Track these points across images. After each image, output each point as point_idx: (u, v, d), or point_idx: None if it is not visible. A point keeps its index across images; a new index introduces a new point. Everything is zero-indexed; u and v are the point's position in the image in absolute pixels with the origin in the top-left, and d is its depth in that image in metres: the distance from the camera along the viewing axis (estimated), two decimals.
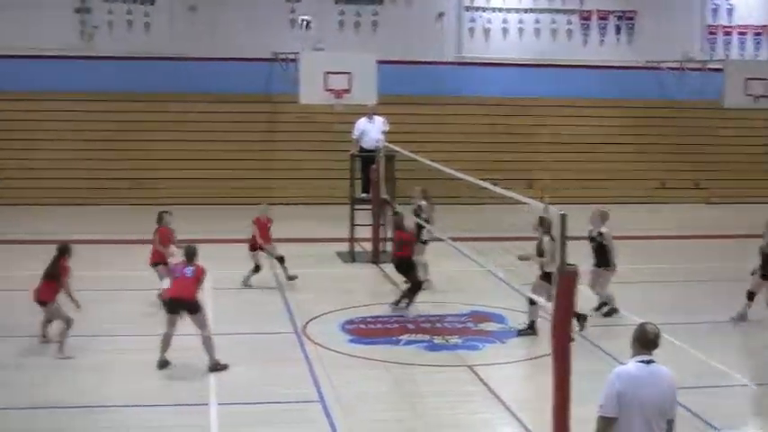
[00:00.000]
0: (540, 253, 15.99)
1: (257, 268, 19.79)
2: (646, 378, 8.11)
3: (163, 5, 31.67)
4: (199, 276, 14.61)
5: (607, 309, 17.57)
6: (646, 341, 8.22)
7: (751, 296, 17.44)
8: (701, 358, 15.15)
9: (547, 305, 12.31)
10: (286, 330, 16.64)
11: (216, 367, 14.31)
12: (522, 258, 16.25)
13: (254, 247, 19.90)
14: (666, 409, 8.16)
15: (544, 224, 16.00)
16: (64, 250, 15.44)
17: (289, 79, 29.20)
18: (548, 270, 15.81)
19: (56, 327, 15.35)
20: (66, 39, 30.94)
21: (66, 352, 14.91)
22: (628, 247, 24.42)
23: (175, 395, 13.42)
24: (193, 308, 14.42)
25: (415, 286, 18.13)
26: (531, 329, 16.39)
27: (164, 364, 14.44)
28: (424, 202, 19.85)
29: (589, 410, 12.30)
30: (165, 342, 14.49)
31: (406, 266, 18.35)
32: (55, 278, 15.23)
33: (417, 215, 19.64)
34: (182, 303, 14.40)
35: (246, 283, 19.73)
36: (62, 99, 30.81)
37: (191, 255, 14.83)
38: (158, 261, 18.02)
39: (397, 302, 17.98)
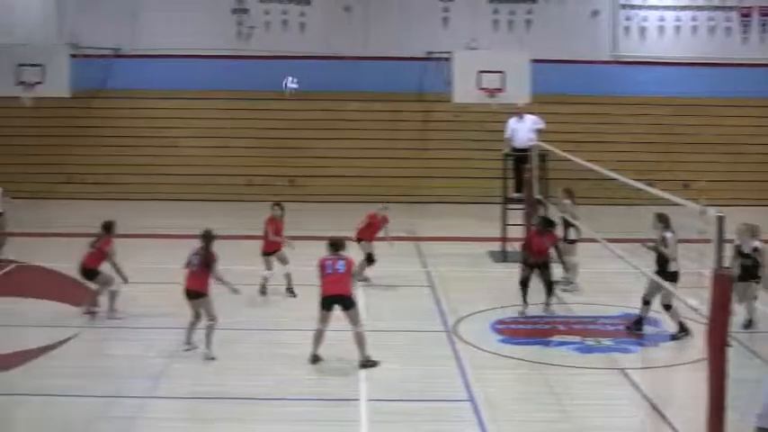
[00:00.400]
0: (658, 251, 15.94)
1: (369, 258, 19.90)
2: None
3: (318, 5, 32.09)
4: (350, 269, 14.74)
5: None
6: None
7: None
8: None
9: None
10: (437, 328, 16.70)
11: (366, 363, 14.44)
12: (650, 248, 16.08)
13: (359, 239, 20.00)
14: None
15: (662, 220, 15.85)
16: (210, 237, 15.41)
17: (442, 78, 29.28)
18: (672, 270, 15.71)
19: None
20: (224, 39, 31.65)
21: (212, 352, 14.92)
22: None
23: (326, 390, 13.64)
24: (349, 303, 14.56)
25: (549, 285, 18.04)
26: (683, 331, 16.10)
27: (315, 359, 14.65)
28: (568, 201, 19.71)
29: (746, 419, 12.15)
30: (318, 338, 14.67)
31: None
32: (207, 267, 15.15)
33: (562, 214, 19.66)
34: (338, 299, 14.53)
35: (361, 278, 19.56)
36: (218, 98, 31.51)
37: (338, 246, 14.91)
38: (269, 250, 18.88)
39: (547, 304, 17.89)
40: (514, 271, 21.04)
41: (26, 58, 28.22)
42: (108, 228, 17.36)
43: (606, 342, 16.08)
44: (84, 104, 31.19)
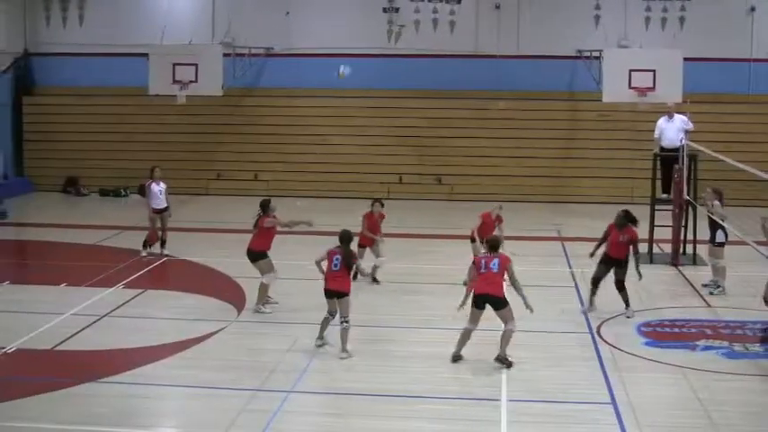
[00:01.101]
0: None
1: None
2: None
3: (468, 4, 32.11)
4: (504, 267, 14.66)
5: None
6: None
7: None
8: None
9: None
10: (580, 330, 16.54)
11: (503, 360, 14.43)
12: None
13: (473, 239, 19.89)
14: None
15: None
16: (349, 238, 15.58)
17: (592, 77, 28.98)
18: None
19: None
20: (375, 38, 31.92)
21: (348, 352, 15.09)
22: None
23: (466, 389, 13.63)
24: (500, 304, 14.54)
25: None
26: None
27: (457, 358, 14.68)
28: (717, 203, 19.22)
29: None
30: (465, 336, 14.72)
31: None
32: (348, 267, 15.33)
33: (710, 215, 19.23)
34: (489, 299, 14.54)
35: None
36: (367, 96, 31.80)
37: (494, 246, 14.95)
38: (364, 244, 19.60)
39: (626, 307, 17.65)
40: (661, 273, 20.82)
41: (181, 57, 28.90)
42: (264, 206, 17.76)
43: (755, 348, 15.68)
44: (236, 103, 31.86)
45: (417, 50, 31.85)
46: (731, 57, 31.43)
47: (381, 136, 31.73)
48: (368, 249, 19.77)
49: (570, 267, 21.47)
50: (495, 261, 14.63)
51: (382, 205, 20.23)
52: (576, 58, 31.09)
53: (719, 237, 19.09)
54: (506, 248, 16.99)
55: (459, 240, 20.84)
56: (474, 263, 14.93)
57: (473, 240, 19.81)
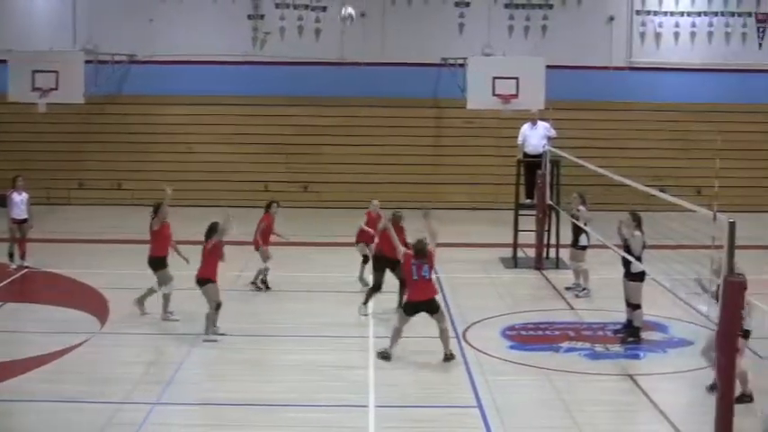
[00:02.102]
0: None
1: (366, 259, 19.88)
2: None
3: (334, 11, 32.06)
4: (433, 267, 15.20)
5: None
6: None
7: None
8: None
9: None
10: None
11: (449, 357, 14.98)
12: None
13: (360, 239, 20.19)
14: None
15: (635, 219, 16.54)
16: (213, 229, 16.40)
17: (456, 84, 29.28)
18: (635, 270, 16.29)
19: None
20: (239, 45, 31.73)
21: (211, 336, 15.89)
22: None
23: (336, 395, 13.61)
24: (436, 307, 15.13)
25: None
26: (633, 335, 16.50)
27: (387, 356, 15.15)
28: (582, 207, 19.56)
29: (751, 424, 12.12)
30: (396, 335, 15.24)
31: None
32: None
33: (576, 220, 19.55)
34: (425, 305, 15.07)
35: (362, 279, 19.95)
36: (232, 104, 31.56)
37: (421, 251, 15.17)
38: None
39: None
40: (525, 277, 21.14)
41: (42, 64, 28.26)
42: (156, 209, 17.65)
43: (615, 348, 16.04)
44: (99, 111, 31.29)
45: (283, 58, 31.71)
46: (592, 65, 32.11)
47: (247, 144, 31.51)
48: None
49: (436, 273, 21.56)
50: (426, 267, 15.07)
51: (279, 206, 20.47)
52: (441, 65, 31.36)
53: (582, 240, 19.49)
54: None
55: (332, 247, 20.85)
56: (404, 268, 15.38)
57: (357, 243, 20.11)
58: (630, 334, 16.54)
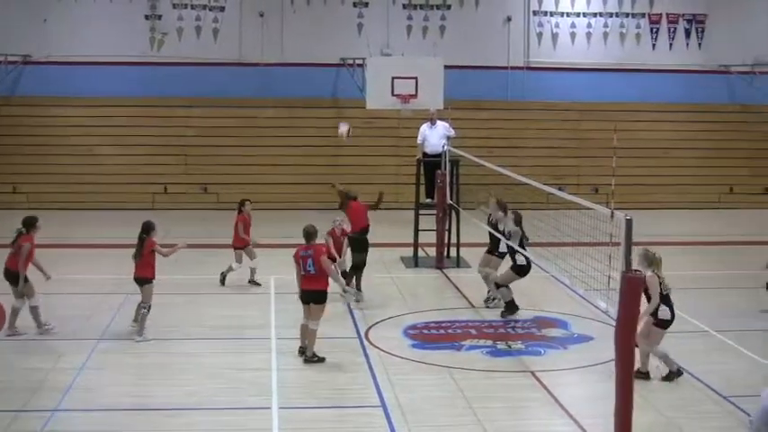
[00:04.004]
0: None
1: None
2: None
3: (232, 12, 31.91)
4: (319, 261, 15.01)
5: None
6: None
7: None
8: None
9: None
10: (349, 335, 16.68)
11: (312, 359, 14.96)
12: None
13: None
14: None
15: (501, 208, 17.71)
16: (149, 228, 16.46)
17: (356, 84, 29.30)
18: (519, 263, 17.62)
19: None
20: (137, 45, 31.35)
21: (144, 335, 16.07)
22: (696, 253, 24.36)
23: (238, 398, 13.50)
24: (321, 298, 15.08)
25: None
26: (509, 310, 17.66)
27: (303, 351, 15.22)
28: (501, 214, 18.57)
29: (650, 417, 12.34)
30: (303, 332, 15.21)
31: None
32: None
33: (494, 226, 18.85)
34: (308, 294, 15.10)
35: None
36: (131, 105, 31.16)
37: (308, 235, 15.31)
38: (239, 245, 20.13)
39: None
40: (427, 276, 21.24)
41: None
42: (27, 224, 16.62)
43: (517, 345, 16.20)
44: None
45: (181, 58, 31.43)
46: (490, 65, 32.40)
47: (145, 145, 31.13)
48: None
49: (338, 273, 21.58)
50: (310, 261, 15.00)
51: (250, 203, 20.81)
52: (340, 65, 31.37)
53: (503, 248, 18.93)
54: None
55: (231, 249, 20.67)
56: (296, 260, 15.26)
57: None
58: (508, 309, 17.83)
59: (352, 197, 19.56)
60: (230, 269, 20.20)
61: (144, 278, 16.33)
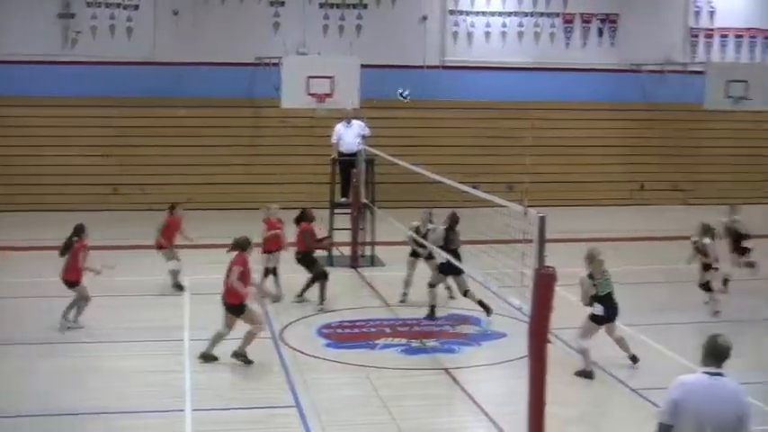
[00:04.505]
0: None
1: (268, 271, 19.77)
2: (706, 390, 7.94)
3: (146, 11, 31.56)
4: (232, 270, 14.88)
5: None
6: (715, 353, 8.07)
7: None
8: (676, 359, 15.19)
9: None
10: (263, 335, 16.55)
11: (240, 356, 14.83)
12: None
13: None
14: (731, 426, 7.91)
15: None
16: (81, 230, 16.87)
17: (271, 83, 29.18)
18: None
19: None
20: (49, 44, 30.89)
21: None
22: (608, 249, 24.58)
23: (151, 401, 13.38)
24: (236, 310, 14.86)
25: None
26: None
27: (208, 357, 15.04)
28: (431, 225, 18.82)
29: (563, 411, 12.48)
30: (217, 338, 15.06)
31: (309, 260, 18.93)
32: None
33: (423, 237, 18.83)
34: (226, 306, 14.92)
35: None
36: (43, 105, 30.69)
37: (236, 245, 15.25)
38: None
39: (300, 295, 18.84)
40: (341, 275, 21.23)
41: None
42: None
43: (431, 343, 16.28)
44: None
45: (95, 57, 31.00)
46: (406, 63, 32.48)
47: (58, 146, 30.67)
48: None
49: (253, 273, 21.46)
50: (235, 269, 14.85)
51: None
52: (256, 65, 31.19)
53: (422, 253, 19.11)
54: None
55: (145, 250, 20.49)
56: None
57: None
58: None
59: (308, 218, 19.19)
60: (174, 271, 19.81)
61: (73, 281, 16.38)
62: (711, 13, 34.84)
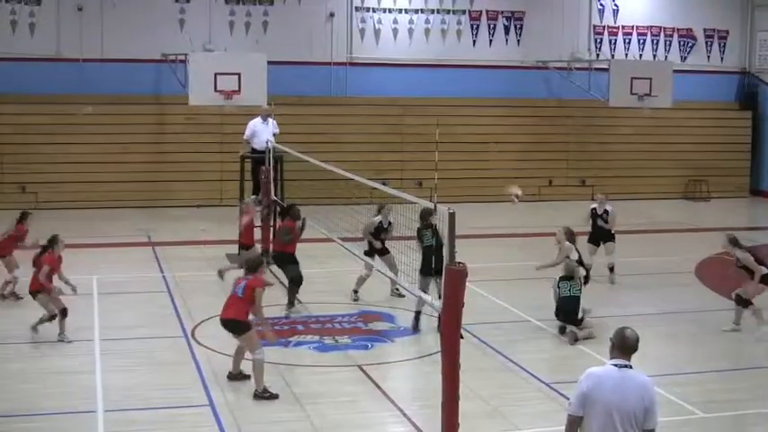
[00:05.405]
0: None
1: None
2: (614, 382, 8.05)
3: (49, 6, 31.06)
4: (250, 291, 13.53)
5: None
6: (623, 346, 8.18)
7: None
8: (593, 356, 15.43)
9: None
10: (175, 334, 16.49)
11: (264, 396, 13.45)
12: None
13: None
14: (639, 417, 8.02)
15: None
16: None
17: (178, 80, 28.96)
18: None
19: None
20: None
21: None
22: (517, 245, 24.93)
23: (62, 402, 13.17)
24: (238, 329, 13.65)
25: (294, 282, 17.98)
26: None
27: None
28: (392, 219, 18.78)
29: (476, 406, 12.58)
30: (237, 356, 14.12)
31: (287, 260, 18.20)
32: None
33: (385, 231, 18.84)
34: (227, 323, 13.70)
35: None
36: None
37: (250, 267, 13.85)
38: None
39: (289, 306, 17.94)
40: None
41: None
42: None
43: (344, 340, 16.29)
44: None
45: None
46: (313, 60, 32.47)
47: None
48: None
49: (162, 272, 21.33)
50: (242, 285, 13.58)
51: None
52: (162, 61, 30.92)
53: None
54: None
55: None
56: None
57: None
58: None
59: (292, 216, 18.27)
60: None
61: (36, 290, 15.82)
62: (615, 11, 35.42)
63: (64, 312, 15.80)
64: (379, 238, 18.66)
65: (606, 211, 20.93)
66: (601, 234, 20.96)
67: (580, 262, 17.64)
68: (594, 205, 21.36)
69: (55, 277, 16.17)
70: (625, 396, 8.02)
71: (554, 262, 17.88)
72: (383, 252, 18.68)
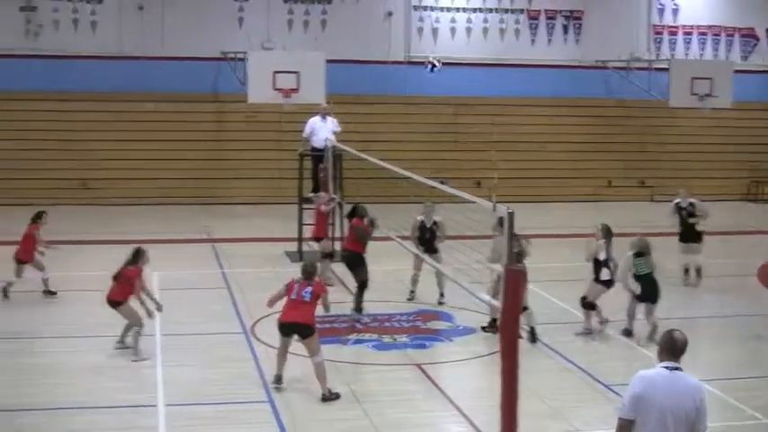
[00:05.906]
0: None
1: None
2: (665, 384, 7.99)
3: (110, 4, 31.41)
4: (317, 297, 13.63)
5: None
6: (672, 349, 8.12)
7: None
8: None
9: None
10: (235, 330, 16.59)
11: (329, 398, 13.40)
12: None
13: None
14: (691, 419, 7.98)
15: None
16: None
17: (237, 78, 29.13)
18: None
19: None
20: (11, 37, 30.60)
21: (140, 354, 14.92)
22: (575, 245, 24.77)
23: (123, 396, 13.32)
24: (308, 332, 13.60)
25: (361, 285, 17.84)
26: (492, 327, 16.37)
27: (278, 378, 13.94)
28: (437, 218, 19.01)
29: (534, 406, 12.55)
30: (278, 356, 13.99)
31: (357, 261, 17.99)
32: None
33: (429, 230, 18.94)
34: (295, 327, 13.63)
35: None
36: (5, 99, 30.43)
37: (309, 273, 13.86)
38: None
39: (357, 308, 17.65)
40: None
41: None
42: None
43: (402, 339, 16.30)
44: None
45: (59, 51, 30.80)
46: (371, 59, 32.52)
47: (21, 140, 30.46)
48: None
49: (222, 268, 21.48)
50: (309, 290, 13.60)
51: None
52: (221, 59, 31.13)
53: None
54: None
55: (112, 245, 20.35)
56: (287, 287, 13.87)
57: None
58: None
59: (359, 214, 18.22)
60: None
61: (117, 301, 15.27)
62: (675, 11, 35.15)
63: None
64: (424, 237, 18.66)
65: (692, 204, 21.02)
66: (690, 233, 20.95)
67: (605, 263, 17.08)
68: (678, 200, 21.26)
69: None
70: (679, 398, 7.97)
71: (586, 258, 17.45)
72: (431, 251, 18.60)
